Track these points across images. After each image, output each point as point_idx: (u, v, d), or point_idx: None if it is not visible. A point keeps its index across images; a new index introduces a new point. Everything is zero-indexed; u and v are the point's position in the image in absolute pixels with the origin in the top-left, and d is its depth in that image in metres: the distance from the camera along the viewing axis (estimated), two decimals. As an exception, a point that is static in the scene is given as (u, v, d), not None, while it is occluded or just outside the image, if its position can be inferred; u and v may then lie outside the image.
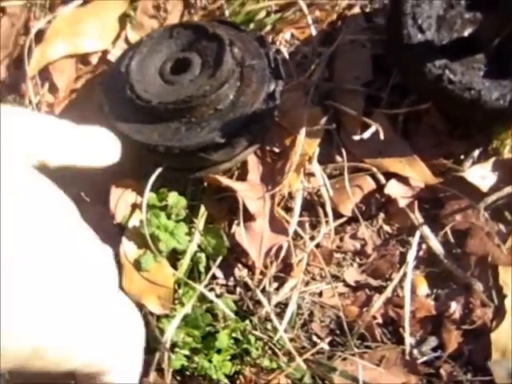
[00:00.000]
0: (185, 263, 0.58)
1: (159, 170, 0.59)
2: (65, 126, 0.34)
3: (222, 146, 0.57)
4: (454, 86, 0.57)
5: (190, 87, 0.58)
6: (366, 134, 0.59)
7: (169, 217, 0.59)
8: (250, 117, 0.57)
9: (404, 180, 0.61)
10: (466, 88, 0.57)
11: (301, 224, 0.61)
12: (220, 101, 0.57)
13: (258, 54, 0.61)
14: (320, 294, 0.60)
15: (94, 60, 0.71)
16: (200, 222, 0.60)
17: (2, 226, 0.22)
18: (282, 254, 0.59)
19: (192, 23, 0.62)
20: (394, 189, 0.60)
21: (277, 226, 0.59)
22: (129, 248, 0.59)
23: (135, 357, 0.28)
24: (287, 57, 0.67)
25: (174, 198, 0.59)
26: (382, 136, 0.58)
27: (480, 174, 0.60)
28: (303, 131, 0.62)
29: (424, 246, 0.60)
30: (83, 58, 0.71)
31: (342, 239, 0.61)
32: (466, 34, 0.63)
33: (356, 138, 0.59)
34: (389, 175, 0.61)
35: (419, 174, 0.61)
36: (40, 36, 0.71)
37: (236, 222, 0.60)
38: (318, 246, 0.60)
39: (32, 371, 0.23)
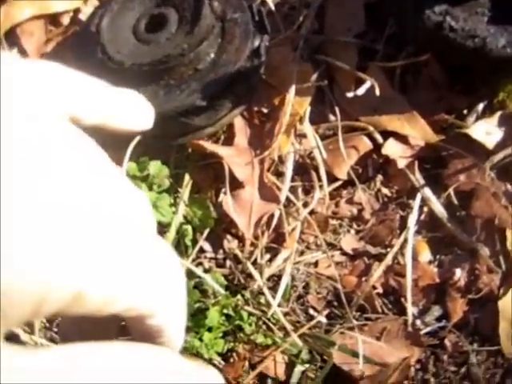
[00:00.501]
0: (170, 237, 0.54)
1: (138, 137, 0.54)
2: (98, 83, 0.31)
3: (203, 109, 0.52)
4: (456, 33, 0.52)
5: (167, 46, 0.53)
6: (361, 90, 0.54)
7: (150, 188, 0.55)
8: (233, 76, 0.53)
9: (403, 139, 0.56)
10: (469, 35, 0.52)
11: (293, 190, 0.57)
12: (200, 60, 0.53)
13: (241, 7, 0.56)
14: (315, 264, 0.56)
15: (65, 20, 0.65)
16: (185, 191, 0.56)
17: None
18: (274, 222, 0.55)
19: (166, -25, 0.56)
20: (392, 148, 0.56)
21: (267, 194, 0.55)
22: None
23: (179, 300, 0.26)
24: (273, 8, 0.62)
25: (155, 167, 0.55)
26: (377, 92, 0.54)
27: (485, 130, 0.55)
28: (293, 89, 0.57)
29: (426, 210, 0.56)
30: (53, 19, 0.65)
31: (337, 204, 0.57)
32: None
33: (350, 94, 0.55)
34: (386, 134, 0.57)
35: (419, 131, 0.56)
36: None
37: (223, 190, 0.56)
38: (312, 212, 0.56)
39: (75, 315, 0.22)
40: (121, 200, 0.26)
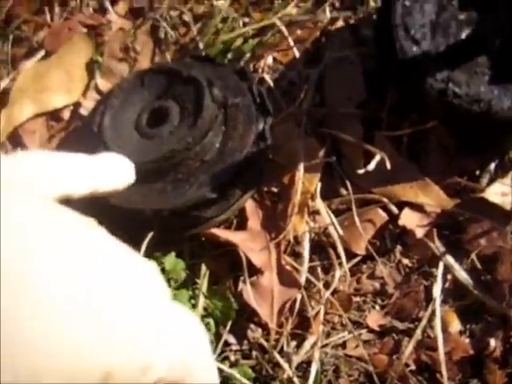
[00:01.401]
0: (192, 333, 0.53)
1: (150, 234, 0.53)
2: (78, 158, 0.34)
3: (214, 200, 0.52)
4: (461, 99, 0.52)
5: (171, 140, 0.52)
6: (371, 166, 0.54)
7: (167, 283, 0.54)
8: (241, 164, 0.52)
9: (418, 207, 0.55)
10: (473, 100, 0.52)
11: (312, 269, 0.56)
12: (206, 151, 0.52)
13: (241, 90, 0.56)
14: (343, 345, 0.54)
15: (66, 115, 0.65)
16: (203, 283, 0.55)
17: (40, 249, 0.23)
18: (297, 307, 0.54)
19: (163, 67, 0.56)
20: (408, 219, 0.55)
21: (287, 278, 0.54)
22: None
23: (207, 360, 0.27)
24: (272, 85, 0.62)
25: (170, 262, 0.54)
26: (388, 165, 0.53)
27: (500, 191, 0.54)
28: (301, 166, 0.57)
29: (449, 277, 0.54)
30: (54, 114, 0.65)
31: (359, 281, 0.56)
32: (462, 36, 0.58)
33: (361, 171, 0.54)
34: (401, 203, 0.56)
35: (434, 198, 0.55)
36: (4, 95, 0.66)
37: (242, 278, 0.55)
38: (334, 291, 0.55)
39: None
40: (130, 274, 0.26)
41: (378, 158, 0.54)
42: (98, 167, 0.36)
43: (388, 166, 0.53)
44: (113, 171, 0.39)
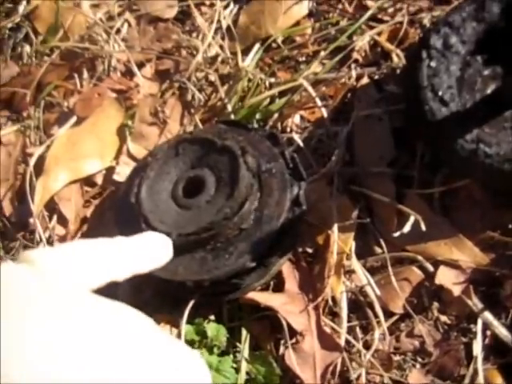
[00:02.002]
0: (237, 400, 0.54)
1: (191, 302, 0.54)
2: (117, 243, 0.37)
3: (254, 268, 0.53)
4: (492, 159, 0.53)
5: (209, 211, 0.53)
6: (407, 228, 0.54)
7: (211, 351, 0.55)
8: (278, 231, 0.53)
9: (453, 264, 0.56)
10: (504, 160, 0.52)
11: (350, 329, 0.56)
12: (243, 220, 0.53)
13: (273, 156, 0.57)
14: (387, 406, 0.55)
15: (99, 180, 0.67)
16: (244, 348, 0.56)
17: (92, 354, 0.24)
18: (338, 369, 0.54)
19: (197, 137, 0.57)
20: (444, 277, 0.55)
21: (327, 342, 0.55)
22: (174, 392, 0.54)
23: None
24: (301, 144, 0.63)
25: (213, 329, 0.55)
26: (423, 227, 0.54)
27: (535, 245, 0.55)
28: (335, 227, 0.58)
29: (489, 333, 0.55)
30: (87, 180, 0.67)
31: (398, 339, 0.56)
32: (488, 91, 0.59)
33: (396, 234, 0.55)
34: (435, 260, 0.56)
35: (468, 254, 0.56)
36: (39, 162, 0.68)
37: (283, 341, 0.56)
38: (374, 351, 0.55)
39: None
40: (178, 366, 0.28)
41: (412, 219, 0.55)
42: (137, 251, 0.39)
43: (423, 227, 0.54)
44: (152, 253, 0.42)
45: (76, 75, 0.72)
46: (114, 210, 0.60)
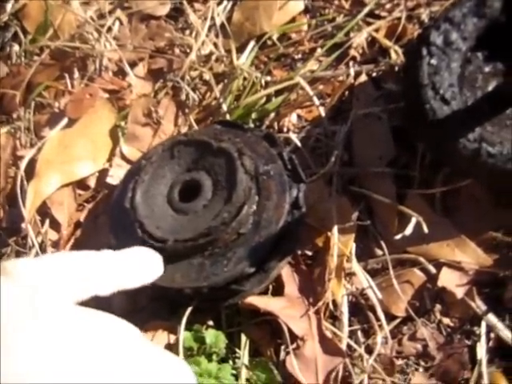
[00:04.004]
0: (236, 408, 0.53)
1: (189, 309, 0.53)
2: (103, 257, 0.36)
3: (253, 273, 0.51)
4: (495, 158, 0.51)
5: (206, 216, 0.52)
6: (408, 230, 0.53)
7: (210, 359, 0.53)
8: (277, 235, 0.52)
9: (456, 266, 0.55)
10: (508, 159, 0.51)
11: (352, 333, 0.55)
12: (242, 224, 0.52)
13: (271, 157, 0.55)
14: (390, 411, 0.54)
15: (92, 182, 0.65)
16: (244, 354, 0.55)
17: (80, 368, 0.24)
18: (340, 375, 0.53)
19: (193, 139, 0.56)
20: (447, 279, 0.54)
21: (329, 346, 0.53)
22: (172, 401, 0.53)
23: None
24: (299, 144, 0.61)
25: (211, 336, 0.54)
26: (425, 229, 0.52)
27: (539, 245, 0.54)
28: (335, 229, 0.56)
29: (493, 335, 0.54)
30: (80, 183, 0.65)
31: (400, 343, 0.55)
32: (490, 88, 0.57)
33: (398, 237, 0.53)
34: (438, 262, 0.55)
35: (471, 255, 0.55)
36: (30, 165, 0.66)
37: (283, 347, 0.55)
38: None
39: None
40: (165, 376, 0.28)
41: (413, 221, 0.53)
42: (123, 266, 0.38)
43: (425, 229, 0.52)
44: (139, 269, 0.41)
45: (67, 75, 0.70)
46: (108, 215, 0.58)
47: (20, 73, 0.72)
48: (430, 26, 0.56)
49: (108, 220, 0.58)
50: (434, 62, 0.55)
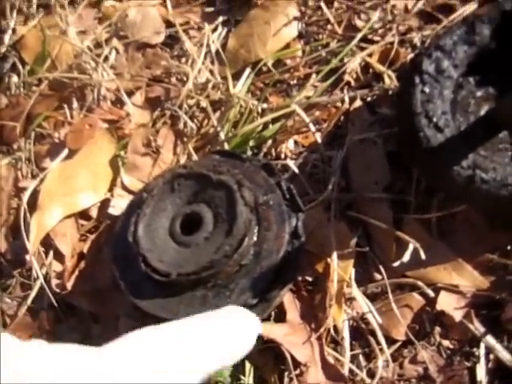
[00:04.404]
0: None
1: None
2: (201, 327, 0.30)
3: (255, 304, 0.52)
4: (489, 184, 0.53)
5: (208, 248, 0.53)
6: (406, 257, 0.54)
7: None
8: (278, 265, 0.53)
9: (454, 289, 0.56)
10: (501, 185, 0.52)
11: (354, 357, 0.57)
12: (243, 256, 0.53)
13: (269, 187, 0.56)
14: (393, 434, 0.55)
15: (94, 213, 0.66)
16: (248, 382, 0.56)
17: None
18: (343, 400, 0.54)
19: (192, 172, 0.57)
20: (445, 302, 0.56)
21: (332, 373, 0.55)
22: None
23: None
24: (296, 170, 0.63)
25: (215, 366, 0.55)
26: (423, 255, 0.54)
27: (535, 267, 0.55)
28: (335, 256, 0.57)
29: (492, 357, 0.55)
30: (82, 213, 0.66)
31: (401, 366, 0.56)
32: (482, 113, 0.59)
33: (396, 264, 0.55)
34: (436, 285, 0.56)
35: (468, 278, 0.56)
36: (33, 196, 0.67)
37: (286, 373, 0.56)
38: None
39: None
40: None
41: (411, 247, 0.55)
42: (227, 337, 0.31)
43: (422, 256, 0.54)
44: (243, 338, 0.32)
45: (66, 105, 0.71)
46: (111, 247, 0.59)
47: (19, 104, 0.73)
48: (422, 54, 0.58)
49: (111, 252, 0.59)
50: (426, 89, 0.56)
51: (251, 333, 0.33)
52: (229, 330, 0.32)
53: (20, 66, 0.75)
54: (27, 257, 0.64)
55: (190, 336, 0.29)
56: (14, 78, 0.75)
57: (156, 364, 0.27)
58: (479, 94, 0.59)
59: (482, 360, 0.54)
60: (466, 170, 0.53)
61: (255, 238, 0.54)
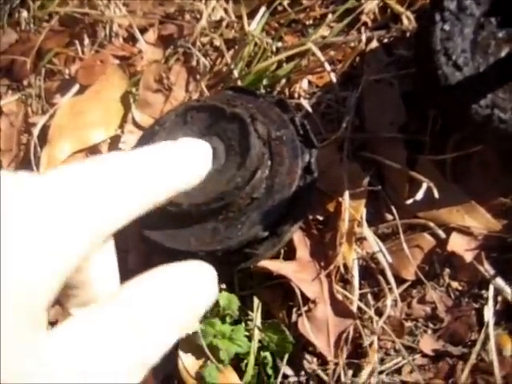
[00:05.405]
0: (250, 368, 0.54)
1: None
2: (156, 153, 0.27)
3: (266, 237, 0.52)
4: (506, 124, 0.52)
5: (220, 180, 0.52)
6: (419, 195, 0.54)
7: (223, 320, 0.55)
8: (290, 199, 0.52)
9: (465, 231, 0.56)
10: (519, 125, 0.52)
11: (362, 296, 0.57)
12: (255, 189, 0.52)
13: (283, 122, 0.56)
14: (399, 371, 0.55)
15: (104, 149, 0.66)
16: (256, 317, 0.56)
17: None
18: (350, 336, 0.54)
19: (206, 104, 0.56)
20: (457, 244, 0.55)
21: (340, 309, 0.55)
22: (187, 361, 0.55)
23: None
24: (310, 110, 0.62)
25: (224, 299, 0.55)
26: (436, 194, 0.53)
27: (548, 211, 0.54)
28: (346, 195, 0.57)
29: (500, 298, 0.55)
30: (92, 149, 0.66)
31: (409, 305, 0.57)
32: (502, 54, 0.57)
33: (408, 202, 0.54)
34: (448, 227, 0.56)
35: (480, 221, 0.56)
36: (42, 132, 0.67)
37: (295, 309, 0.56)
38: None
39: None
40: None
41: (424, 186, 0.54)
42: (179, 162, 0.28)
43: (436, 195, 0.53)
44: (194, 162, 0.30)
45: (77, 41, 0.70)
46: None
47: (30, 39, 0.71)
48: (444, -9, 0.56)
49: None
50: (446, 27, 0.54)
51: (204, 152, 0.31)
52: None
53: (30, 1, 0.74)
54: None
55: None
56: (24, 13, 0.74)
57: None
58: (500, 35, 0.57)
59: (490, 302, 0.54)
60: (485, 109, 0.52)
61: (267, 172, 0.53)
